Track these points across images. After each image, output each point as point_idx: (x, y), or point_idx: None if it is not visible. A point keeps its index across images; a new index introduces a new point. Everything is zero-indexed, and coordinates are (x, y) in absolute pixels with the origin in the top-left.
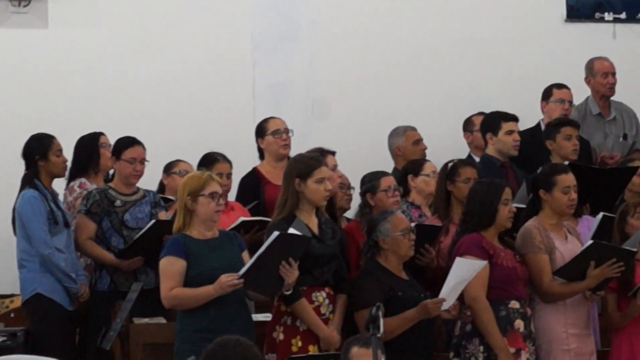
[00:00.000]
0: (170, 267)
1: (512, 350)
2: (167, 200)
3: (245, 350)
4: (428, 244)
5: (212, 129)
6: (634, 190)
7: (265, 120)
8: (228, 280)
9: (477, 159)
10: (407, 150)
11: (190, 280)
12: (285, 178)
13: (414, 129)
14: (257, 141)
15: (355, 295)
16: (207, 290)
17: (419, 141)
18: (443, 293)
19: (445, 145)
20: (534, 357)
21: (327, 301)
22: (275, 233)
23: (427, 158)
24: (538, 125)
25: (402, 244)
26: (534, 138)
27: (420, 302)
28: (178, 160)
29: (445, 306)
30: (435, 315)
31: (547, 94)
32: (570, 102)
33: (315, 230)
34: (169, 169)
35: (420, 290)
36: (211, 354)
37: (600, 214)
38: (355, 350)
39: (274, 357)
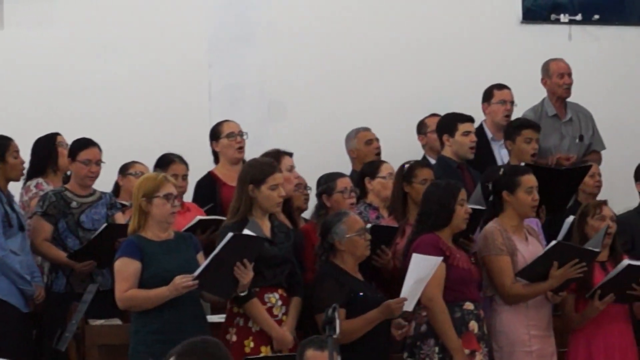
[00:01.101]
0: (125, 268)
1: (467, 351)
2: (124, 205)
3: (214, 348)
4: (384, 245)
5: (168, 130)
6: (588, 192)
7: (220, 124)
8: (182, 281)
9: (432, 161)
10: (361, 152)
11: (145, 281)
12: (239, 183)
13: (366, 129)
14: (211, 144)
15: (315, 298)
16: (161, 292)
17: (371, 141)
18: (404, 292)
19: (401, 147)
20: (488, 359)
21: (280, 302)
22: (230, 234)
23: (386, 161)
24: (480, 126)
25: (358, 244)
26: (478, 139)
27: (379, 303)
28: (133, 162)
29: (406, 306)
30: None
31: (488, 96)
32: (512, 102)
33: (268, 233)
34: (124, 170)
35: (376, 291)
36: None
37: (571, 217)
38: (310, 352)
39: None
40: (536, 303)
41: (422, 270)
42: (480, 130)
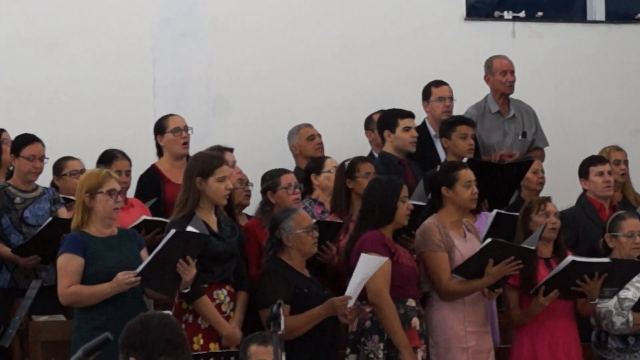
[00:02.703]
0: (68, 264)
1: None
2: (68, 200)
3: (169, 330)
4: (329, 241)
5: (112, 126)
6: (531, 188)
7: (165, 118)
8: (125, 278)
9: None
10: (303, 148)
11: (88, 277)
12: (186, 176)
13: (308, 125)
14: (156, 138)
15: (260, 293)
16: (104, 288)
17: (313, 137)
18: (349, 290)
19: (345, 143)
20: (427, 355)
21: (228, 299)
22: (173, 231)
23: (329, 156)
24: (423, 123)
25: (305, 241)
26: (420, 136)
27: (325, 299)
28: (66, 159)
29: (350, 303)
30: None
31: (426, 94)
32: (451, 98)
33: (215, 228)
34: (58, 170)
35: (322, 287)
36: (132, 332)
37: (494, 212)
38: (253, 348)
39: None
40: (473, 299)
41: (369, 270)
42: (423, 127)
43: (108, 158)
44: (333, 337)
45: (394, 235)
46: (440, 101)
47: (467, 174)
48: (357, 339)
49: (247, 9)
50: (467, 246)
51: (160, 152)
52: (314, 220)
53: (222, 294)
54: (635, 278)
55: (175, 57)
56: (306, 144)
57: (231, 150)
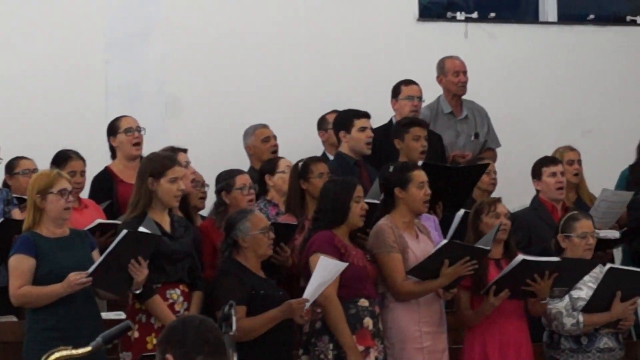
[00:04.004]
0: (19, 265)
1: (361, 348)
2: (22, 200)
3: (209, 332)
4: (283, 243)
5: (64, 127)
6: (482, 189)
7: (117, 119)
8: (76, 278)
9: (332, 157)
10: (258, 149)
11: (40, 278)
12: (139, 176)
13: (264, 126)
14: (108, 140)
15: (216, 294)
16: (55, 289)
17: (268, 138)
18: (307, 293)
19: (300, 144)
20: (382, 356)
21: (181, 298)
22: (124, 231)
23: (283, 157)
24: (390, 122)
25: (261, 242)
26: (386, 135)
27: (281, 301)
28: (19, 158)
29: (307, 306)
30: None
31: (396, 92)
32: (420, 98)
33: (168, 228)
34: (11, 169)
35: (277, 289)
36: (172, 329)
37: (462, 211)
38: None
39: (129, 356)
40: (427, 300)
41: (328, 274)
42: (389, 126)
43: (62, 159)
44: (287, 338)
45: (351, 235)
46: (408, 100)
47: (420, 175)
48: (309, 340)
49: (199, 9)
50: (420, 247)
51: (113, 154)
52: (269, 222)
53: (175, 293)
54: (587, 277)
55: (128, 58)
56: (261, 145)
57: (185, 151)
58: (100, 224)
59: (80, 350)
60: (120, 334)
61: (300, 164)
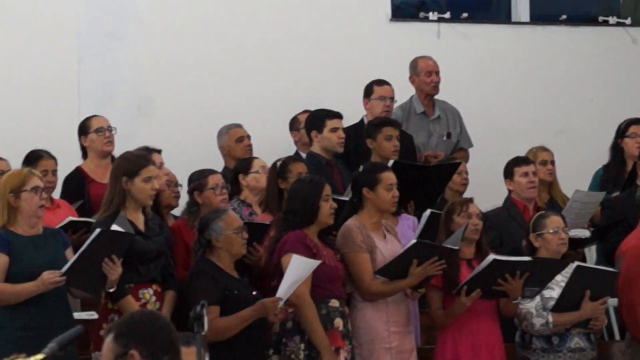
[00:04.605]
0: None
1: (332, 348)
2: None
3: (173, 332)
4: (256, 242)
5: (37, 126)
6: (454, 189)
7: (88, 119)
8: (50, 277)
9: (304, 157)
10: (232, 149)
11: (13, 276)
12: (113, 175)
13: (238, 126)
14: (80, 139)
15: (190, 294)
16: (28, 287)
17: (242, 138)
18: (280, 292)
19: (273, 143)
20: (351, 356)
21: (154, 298)
22: (98, 230)
23: (257, 156)
24: (361, 121)
25: (235, 242)
26: (357, 135)
27: (254, 300)
28: None
29: (280, 305)
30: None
31: (368, 91)
32: (392, 98)
33: (142, 227)
34: None
35: (250, 288)
36: (138, 324)
37: (428, 211)
38: None
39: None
40: (396, 300)
41: (300, 272)
42: (360, 126)
43: (34, 158)
44: (260, 337)
45: (321, 234)
46: (381, 100)
47: (390, 177)
48: (279, 340)
49: (173, 8)
50: (387, 247)
51: (85, 153)
52: (242, 222)
53: (147, 293)
54: (560, 277)
55: (101, 58)
56: (235, 145)
57: (159, 151)
58: (71, 222)
59: (32, 358)
60: (74, 339)
61: (278, 163)
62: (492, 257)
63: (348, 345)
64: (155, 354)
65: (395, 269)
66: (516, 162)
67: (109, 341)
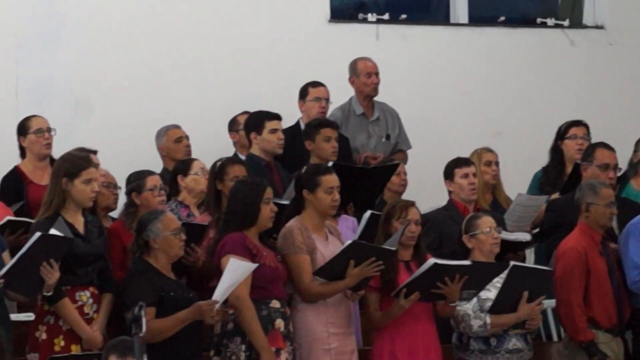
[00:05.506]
0: None
1: (273, 349)
2: None
3: None
4: (194, 243)
5: None
6: (393, 190)
7: (28, 119)
8: None
9: (243, 158)
10: (170, 150)
11: None
12: (53, 176)
13: (176, 127)
14: (18, 140)
15: (126, 296)
16: None
17: (180, 139)
18: (217, 294)
19: (212, 145)
20: (292, 357)
21: (91, 301)
22: (38, 234)
23: (197, 158)
24: (297, 124)
25: (173, 243)
26: (294, 137)
27: (190, 302)
28: None
29: (216, 307)
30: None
31: (303, 93)
32: (327, 100)
33: (81, 229)
34: None
35: (187, 290)
36: None
37: (368, 212)
38: (112, 359)
39: (36, 357)
40: (335, 301)
41: (237, 275)
42: (296, 128)
43: None
44: (197, 339)
45: (262, 236)
46: (316, 101)
47: (330, 180)
48: (220, 341)
49: (111, 9)
50: (329, 248)
51: (23, 154)
52: (180, 223)
53: (84, 295)
54: (496, 279)
55: (38, 58)
56: (173, 146)
57: (94, 152)
58: (9, 221)
59: None
60: None
61: (218, 164)
62: (432, 261)
63: (289, 346)
64: None
65: (333, 269)
66: (457, 163)
67: None
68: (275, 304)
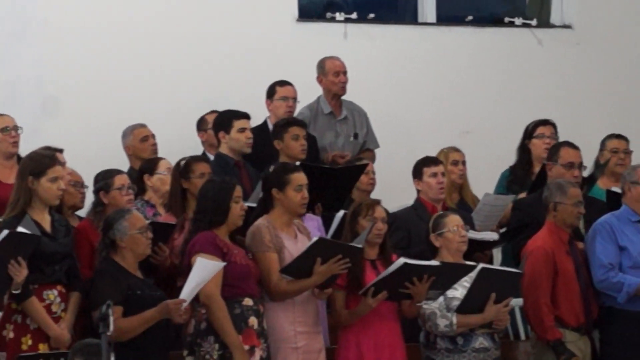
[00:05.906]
0: None
1: (247, 347)
2: None
3: None
4: (162, 242)
5: None
6: (361, 189)
7: None
8: None
9: (212, 157)
10: (137, 149)
11: None
12: (19, 175)
13: (142, 126)
14: None
15: (93, 295)
16: None
17: (147, 138)
18: (184, 293)
19: (181, 144)
20: (267, 354)
21: (58, 299)
22: (5, 231)
23: (164, 157)
24: (265, 123)
25: (139, 242)
26: (261, 136)
27: (158, 301)
28: None
29: (183, 306)
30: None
31: (270, 92)
32: (294, 99)
33: (48, 228)
34: None
35: (155, 289)
36: None
37: (341, 212)
38: None
39: (4, 356)
40: (303, 300)
41: (205, 274)
42: (264, 127)
43: None
44: (164, 338)
45: (231, 235)
46: (283, 100)
47: (299, 178)
48: (194, 340)
49: (78, 8)
50: (297, 247)
51: None
52: (148, 221)
53: (52, 294)
54: (463, 277)
55: (5, 57)
56: (140, 145)
57: (61, 151)
58: None
59: None
60: None
61: (182, 163)
62: (402, 260)
63: (263, 344)
64: None
65: (300, 267)
66: (425, 162)
67: None
68: (248, 301)
